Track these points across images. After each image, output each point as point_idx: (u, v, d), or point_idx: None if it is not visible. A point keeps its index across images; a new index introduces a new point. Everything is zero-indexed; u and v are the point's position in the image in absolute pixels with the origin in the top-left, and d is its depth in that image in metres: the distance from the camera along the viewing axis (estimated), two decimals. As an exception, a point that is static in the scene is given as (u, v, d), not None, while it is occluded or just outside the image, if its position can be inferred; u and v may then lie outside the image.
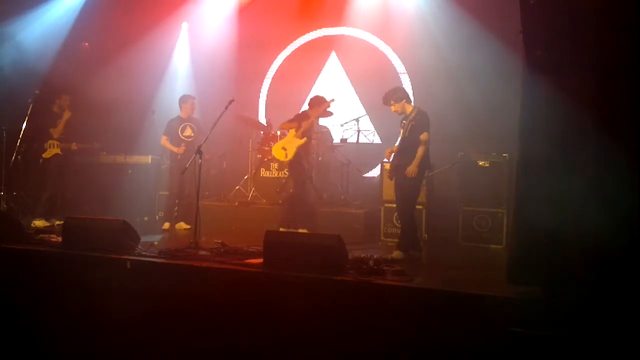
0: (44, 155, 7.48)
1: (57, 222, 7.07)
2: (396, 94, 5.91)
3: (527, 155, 3.91)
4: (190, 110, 7.71)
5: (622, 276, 3.44)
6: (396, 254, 5.56)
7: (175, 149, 7.57)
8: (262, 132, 8.42)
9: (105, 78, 8.71)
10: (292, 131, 6.93)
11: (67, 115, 7.55)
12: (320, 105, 7.04)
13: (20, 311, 4.90)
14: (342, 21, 9.10)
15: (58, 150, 7.50)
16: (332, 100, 7.17)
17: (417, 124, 5.74)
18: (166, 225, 7.51)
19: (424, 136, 5.71)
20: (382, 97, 5.97)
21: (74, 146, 7.58)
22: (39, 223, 7.10)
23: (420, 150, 5.69)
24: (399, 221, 6.11)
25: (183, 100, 7.74)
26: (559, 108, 3.68)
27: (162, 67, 9.41)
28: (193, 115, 7.81)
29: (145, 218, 7.95)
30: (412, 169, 5.67)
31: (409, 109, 5.88)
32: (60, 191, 7.62)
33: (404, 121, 5.84)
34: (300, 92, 9.32)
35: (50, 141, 7.48)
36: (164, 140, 7.68)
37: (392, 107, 5.91)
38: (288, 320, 4.17)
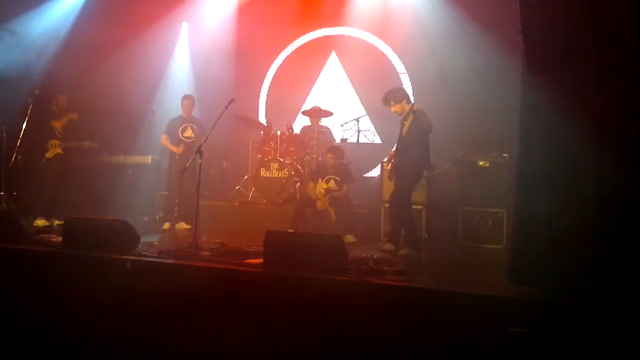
0: (46, 155, 7.49)
1: (57, 222, 7.07)
2: (396, 95, 5.92)
3: (527, 155, 3.91)
4: (188, 109, 7.72)
5: (622, 276, 3.44)
6: (388, 246, 5.73)
7: (174, 149, 7.58)
8: (262, 132, 8.42)
9: (105, 78, 8.72)
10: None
11: (69, 115, 7.58)
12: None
13: (20, 311, 4.89)
14: (342, 21, 9.11)
15: (60, 150, 7.52)
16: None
17: (415, 123, 5.75)
18: (166, 225, 7.51)
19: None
20: (382, 98, 5.98)
21: (78, 145, 7.60)
22: (40, 222, 7.11)
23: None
24: (391, 217, 6.11)
25: (182, 99, 7.79)
26: (559, 108, 3.68)
27: (162, 67, 9.41)
28: (193, 114, 7.83)
29: (145, 218, 7.95)
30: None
31: (408, 109, 5.88)
32: (61, 191, 7.62)
33: (405, 121, 5.85)
34: (300, 92, 9.34)
35: (53, 141, 7.50)
36: (164, 139, 7.72)
37: (392, 108, 5.93)
38: (288, 320, 4.17)
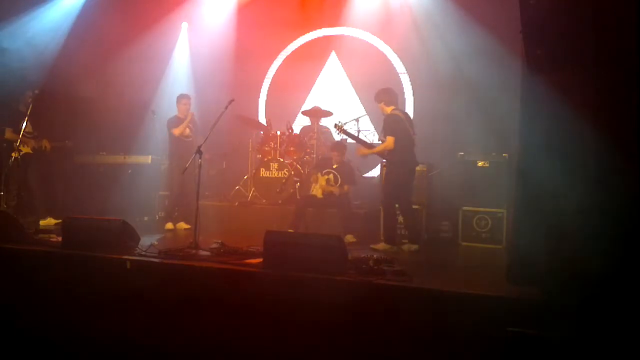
0: (13, 155, 7.27)
1: (55, 222, 7.06)
2: (378, 95, 6.34)
3: (527, 155, 3.91)
4: (184, 109, 7.65)
5: (622, 276, 3.44)
6: (381, 245, 6.01)
7: (186, 131, 7.48)
8: (262, 132, 8.42)
9: (105, 78, 8.73)
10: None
11: (31, 111, 7.38)
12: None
13: (20, 311, 4.89)
14: (342, 21, 9.10)
15: (28, 150, 7.37)
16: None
17: (384, 126, 6.21)
18: (169, 225, 7.47)
19: (388, 140, 6.12)
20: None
21: (45, 143, 7.48)
22: (44, 222, 7.08)
23: (379, 147, 6.22)
24: (383, 215, 6.43)
25: (177, 99, 7.70)
26: (558, 108, 3.68)
27: (162, 67, 9.40)
28: (189, 115, 7.79)
29: (145, 218, 7.95)
30: (362, 151, 6.33)
31: (386, 110, 6.25)
32: (48, 190, 7.52)
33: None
34: (300, 92, 9.34)
35: (21, 140, 7.30)
36: (177, 131, 7.53)
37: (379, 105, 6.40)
38: (288, 320, 4.17)
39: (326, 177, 7.02)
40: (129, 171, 8.36)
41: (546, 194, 3.74)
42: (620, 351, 3.32)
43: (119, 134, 8.66)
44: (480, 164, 6.87)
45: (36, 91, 7.43)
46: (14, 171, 7.39)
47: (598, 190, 3.57)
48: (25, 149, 7.36)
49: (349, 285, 4.22)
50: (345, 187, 7.00)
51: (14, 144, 7.29)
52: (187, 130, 7.60)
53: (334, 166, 7.13)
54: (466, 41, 7.73)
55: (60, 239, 5.46)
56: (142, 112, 8.54)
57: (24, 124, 7.34)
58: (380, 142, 6.39)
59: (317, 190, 6.98)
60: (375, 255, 5.08)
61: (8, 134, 7.33)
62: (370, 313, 4.06)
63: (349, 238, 6.39)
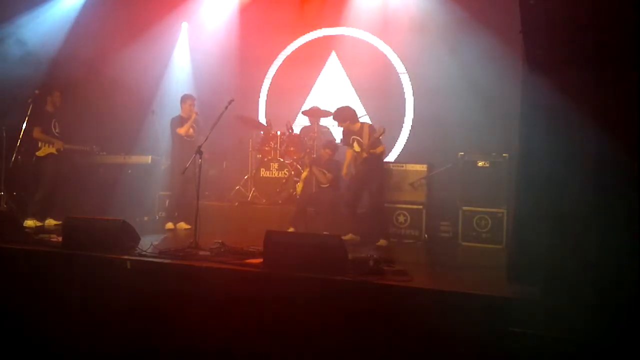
0: (37, 154, 7.34)
1: (55, 222, 7.06)
2: (341, 116, 6.73)
3: (527, 155, 3.91)
4: (188, 110, 7.66)
5: (622, 276, 3.44)
6: (383, 242, 6.31)
7: (190, 131, 7.51)
8: (262, 132, 8.42)
9: (105, 78, 8.72)
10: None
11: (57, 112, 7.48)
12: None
13: (20, 311, 4.89)
14: (342, 21, 9.11)
15: (53, 150, 7.38)
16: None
17: (374, 141, 6.43)
18: (169, 225, 7.47)
19: (381, 148, 6.59)
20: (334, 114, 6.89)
21: (69, 146, 7.52)
22: (30, 223, 6.97)
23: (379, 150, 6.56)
24: (376, 213, 6.63)
25: (182, 99, 7.73)
26: (559, 108, 3.68)
27: (162, 67, 9.41)
28: (193, 115, 7.80)
29: (145, 218, 7.95)
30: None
31: (354, 127, 6.65)
32: (54, 191, 7.51)
33: (362, 135, 6.56)
34: (300, 92, 9.35)
35: (47, 139, 7.36)
36: (182, 130, 7.57)
37: (339, 124, 6.81)
38: (288, 320, 4.17)
39: (316, 171, 7.17)
40: (129, 171, 8.36)
41: (546, 194, 3.74)
42: (621, 351, 3.32)
43: (119, 134, 8.66)
44: (480, 164, 6.87)
45: (37, 91, 7.43)
46: (26, 170, 7.40)
47: (598, 190, 3.57)
48: (50, 149, 7.36)
49: (349, 285, 4.21)
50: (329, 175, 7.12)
51: (39, 143, 7.31)
52: (191, 130, 7.61)
53: (324, 166, 7.22)
54: (466, 41, 7.73)
55: (60, 239, 5.45)
56: (142, 112, 8.55)
57: (53, 124, 7.39)
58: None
59: (299, 187, 7.23)
60: (375, 255, 5.08)
61: (37, 133, 7.34)
62: (370, 313, 4.06)
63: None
